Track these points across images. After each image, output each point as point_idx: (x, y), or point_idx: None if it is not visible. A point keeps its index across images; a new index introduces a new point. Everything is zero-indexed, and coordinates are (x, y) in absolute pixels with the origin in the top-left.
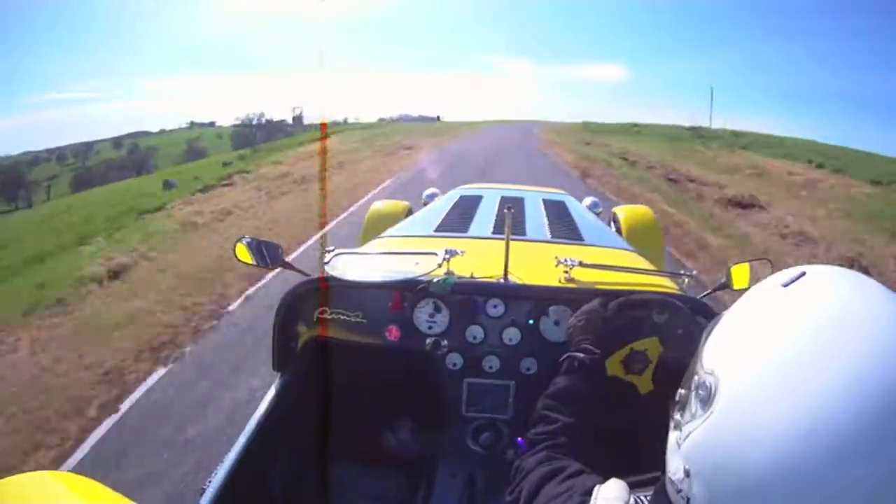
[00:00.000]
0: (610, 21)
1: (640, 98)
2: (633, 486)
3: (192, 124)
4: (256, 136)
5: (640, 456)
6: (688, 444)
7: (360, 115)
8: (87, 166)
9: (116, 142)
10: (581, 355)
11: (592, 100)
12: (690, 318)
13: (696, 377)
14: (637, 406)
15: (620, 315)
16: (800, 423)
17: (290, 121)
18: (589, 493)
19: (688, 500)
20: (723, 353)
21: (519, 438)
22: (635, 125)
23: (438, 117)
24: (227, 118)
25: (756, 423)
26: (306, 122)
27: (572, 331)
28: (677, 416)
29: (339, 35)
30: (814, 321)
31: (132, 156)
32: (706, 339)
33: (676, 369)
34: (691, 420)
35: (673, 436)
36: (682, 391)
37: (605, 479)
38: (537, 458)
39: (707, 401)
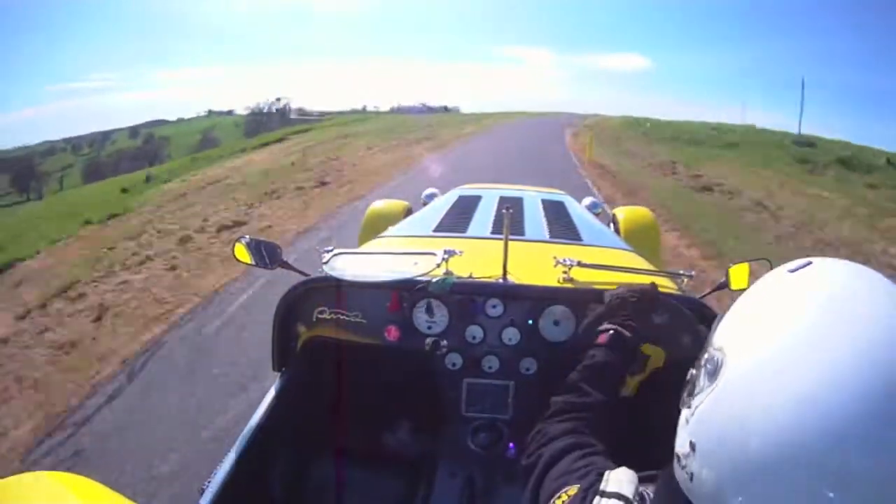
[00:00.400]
0: (631, 10)
1: (662, 89)
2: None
3: (210, 113)
4: (268, 123)
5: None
6: (694, 417)
7: (379, 103)
8: (103, 156)
9: (133, 131)
10: (628, 333)
11: (615, 90)
12: (693, 324)
13: (705, 355)
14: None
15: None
16: (800, 399)
17: (306, 109)
18: (601, 475)
19: (691, 475)
20: (730, 331)
21: (511, 444)
22: (715, 128)
23: (446, 107)
24: (245, 106)
25: (758, 397)
26: (321, 109)
27: (619, 302)
28: (686, 396)
29: (361, 26)
30: (817, 303)
31: (147, 145)
32: (717, 323)
33: (669, 378)
34: (699, 394)
35: (683, 414)
36: (692, 371)
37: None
38: (564, 428)
39: (713, 374)
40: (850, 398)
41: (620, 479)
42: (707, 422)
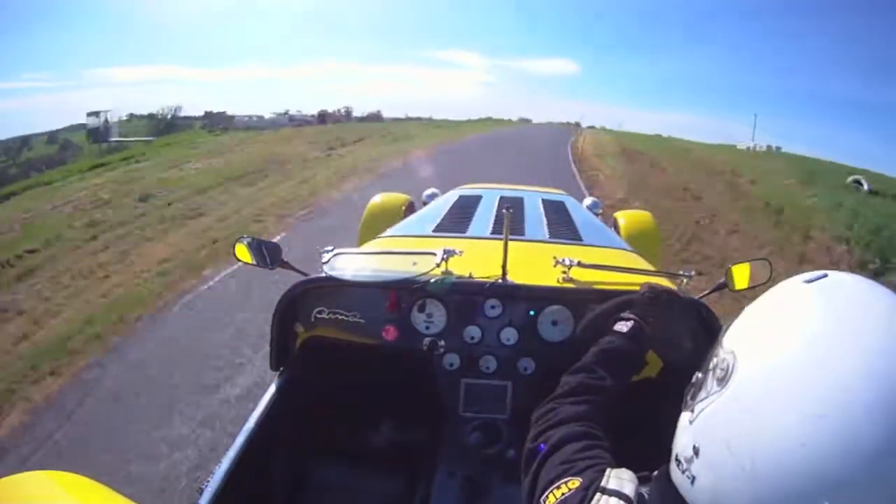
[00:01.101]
0: (562, 16)
1: (591, 94)
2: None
3: (131, 116)
4: (169, 129)
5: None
6: (699, 421)
7: (303, 108)
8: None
9: (52, 136)
10: (647, 327)
11: (546, 95)
12: (699, 333)
13: (714, 359)
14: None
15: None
16: (811, 414)
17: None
18: (603, 471)
19: (693, 478)
20: (742, 335)
21: (541, 445)
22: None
23: (322, 117)
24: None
25: (769, 409)
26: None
27: (651, 297)
28: (689, 399)
29: (291, 28)
30: (831, 319)
31: (65, 152)
32: (727, 327)
33: (660, 388)
34: (706, 398)
35: (684, 416)
36: (698, 374)
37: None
38: (576, 411)
39: (723, 379)
40: (867, 416)
41: (621, 478)
42: (714, 427)
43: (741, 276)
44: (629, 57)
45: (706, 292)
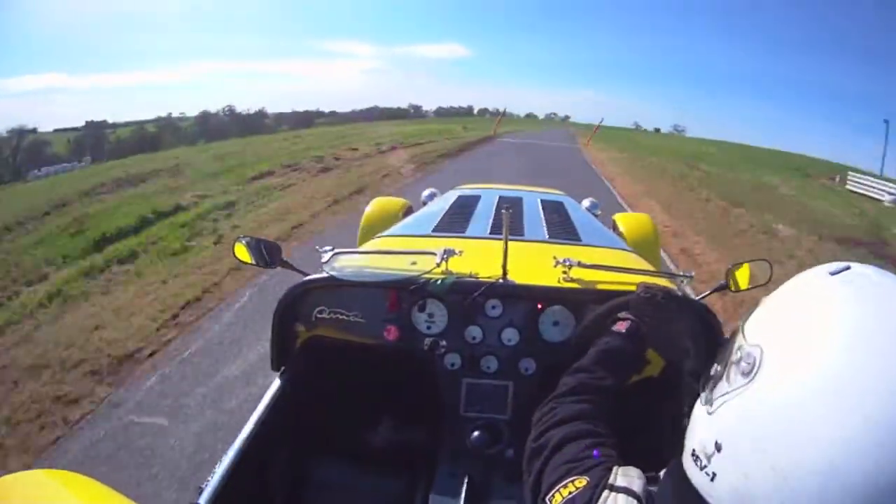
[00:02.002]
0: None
1: (483, 78)
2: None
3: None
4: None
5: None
6: (722, 414)
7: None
8: None
9: None
10: (645, 327)
11: (436, 80)
12: (699, 332)
13: (736, 352)
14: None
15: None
16: (857, 414)
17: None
18: (609, 469)
19: (713, 475)
20: (768, 328)
21: (595, 451)
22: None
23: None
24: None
25: (807, 407)
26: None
27: (647, 297)
28: (707, 392)
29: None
30: (868, 312)
31: None
32: (746, 319)
33: (662, 386)
34: (728, 391)
35: (701, 409)
36: (717, 367)
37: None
38: (577, 409)
39: (749, 372)
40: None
41: (630, 475)
42: (740, 422)
43: (741, 276)
44: (520, 38)
45: (706, 293)
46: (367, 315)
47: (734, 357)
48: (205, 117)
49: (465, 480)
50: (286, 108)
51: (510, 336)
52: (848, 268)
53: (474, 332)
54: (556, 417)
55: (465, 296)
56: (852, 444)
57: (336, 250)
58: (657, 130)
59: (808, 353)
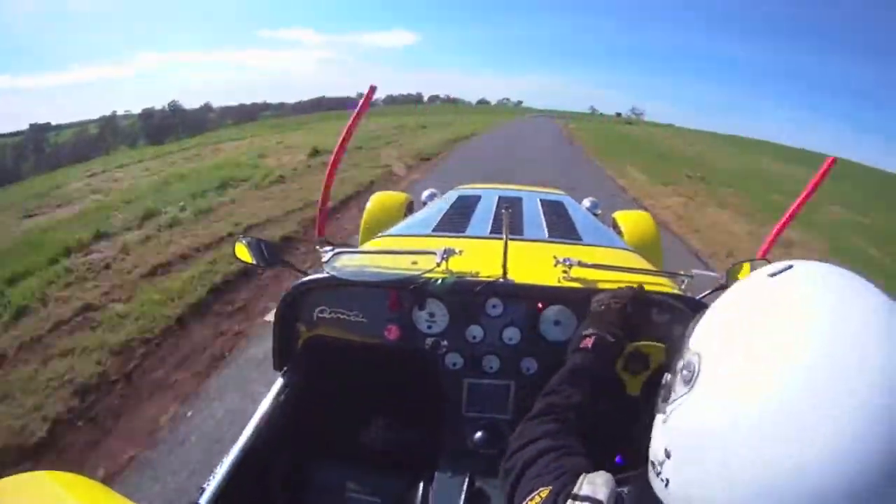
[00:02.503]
0: None
1: (434, 64)
2: (618, 483)
3: None
4: None
5: (609, 451)
6: (670, 423)
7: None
8: None
9: None
10: (610, 338)
11: (386, 67)
12: (690, 318)
13: (680, 361)
14: (619, 403)
15: (638, 311)
16: (776, 405)
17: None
18: (575, 477)
19: (667, 481)
20: (707, 335)
21: (559, 463)
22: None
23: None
24: None
25: (735, 405)
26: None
27: (603, 309)
28: (661, 402)
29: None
30: (796, 308)
31: None
32: (694, 325)
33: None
34: (675, 399)
35: (658, 419)
36: (667, 375)
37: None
38: (544, 430)
39: (689, 381)
40: (829, 407)
41: (595, 482)
42: (682, 427)
43: (741, 275)
44: (471, 22)
45: (706, 292)
46: (368, 315)
47: (679, 366)
48: (148, 114)
49: (466, 481)
50: (236, 101)
51: (511, 335)
52: (790, 267)
53: (475, 331)
54: (524, 439)
55: (465, 295)
56: (794, 458)
57: (337, 250)
58: (619, 115)
59: (743, 360)
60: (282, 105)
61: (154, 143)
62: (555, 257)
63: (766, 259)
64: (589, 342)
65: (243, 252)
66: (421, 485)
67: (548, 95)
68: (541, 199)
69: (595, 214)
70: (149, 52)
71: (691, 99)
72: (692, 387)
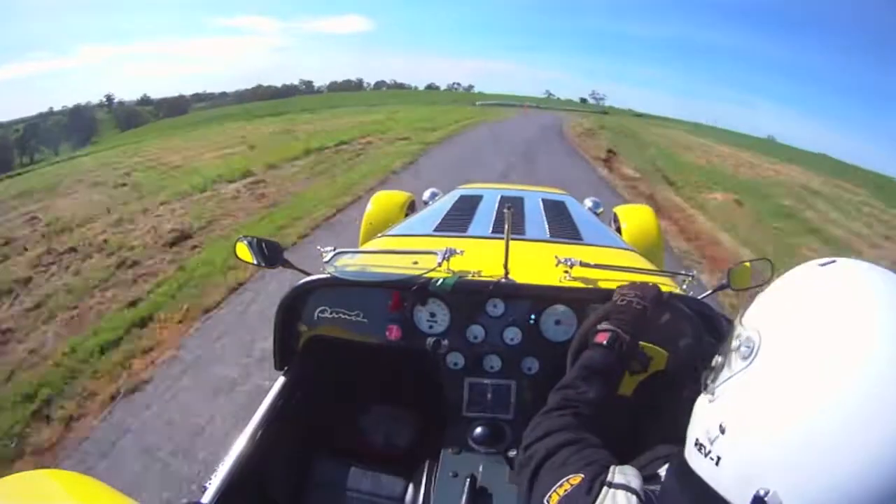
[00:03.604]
0: None
1: (386, 49)
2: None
3: None
4: None
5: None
6: (724, 398)
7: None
8: None
9: None
10: (627, 337)
11: (340, 53)
12: (699, 326)
13: (735, 340)
14: (623, 411)
15: (656, 312)
16: (832, 382)
17: None
18: (606, 466)
19: (718, 458)
20: (766, 314)
21: (587, 451)
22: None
23: None
24: None
25: (802, 371)
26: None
27: (624, 305)
28: (709, 382)
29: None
30: (843, 297)
31: None
32: (743, 311)
33: (668, 380)
34: (728, 378)
35: (703, 399)
36: (718, 358)
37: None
38: (561, 423)
39: (749, 355)
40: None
41: (627, 473)
42: (741, 399)
43: (743, 275)
44: (423, 6)
45: (708, 292)
46: (369, 315)
47: (734, 345)
48: (77, 111)
49: (467, 481)
50: (176, 92)
51: (512, 335)
52: (834, 261)
53: (476, 331)
54: (542, 430)
55: (467, 295)
56: (856, 416)
57: (338, 250)
58: (583, 101)
59: (804, 334)
60: (224, 94)
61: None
62: (556, 257)
63: (766, 258)
64: (604, 338)
65: (244, 251)
66: (422, 484)
67: (500, 79)
68: (542, 199)
69: (596, 214)
70: (94, 44)
71: (650, 82)
72: (751, 361)
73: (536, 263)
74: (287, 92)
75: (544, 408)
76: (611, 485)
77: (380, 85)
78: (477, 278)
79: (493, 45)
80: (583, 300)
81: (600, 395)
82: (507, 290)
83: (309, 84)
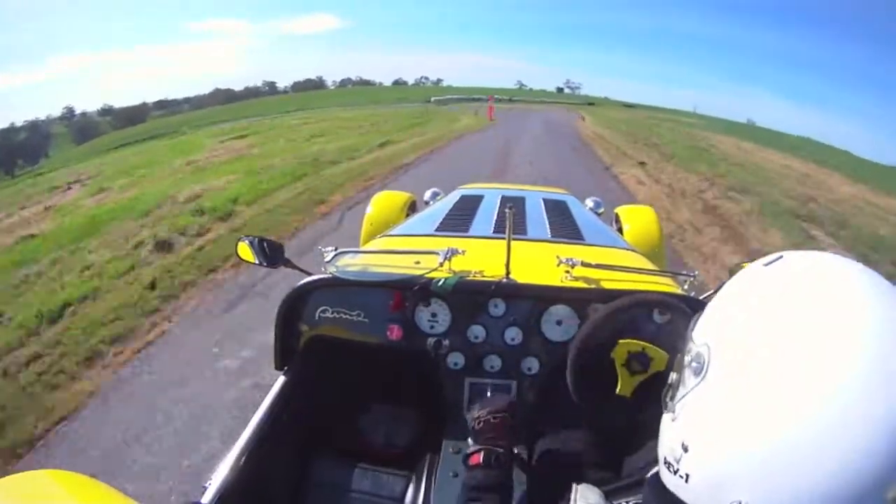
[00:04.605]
0: None
1: (358, 46)
2: (610, 494)
3: None
4: None
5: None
6: (683, 416)
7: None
8: None
9: None
10: (500, 450)
11: (312, 53)
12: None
13: (687, 356)
14: (611, 401)
15: (617, 317)
16: (791, 388)
17: None
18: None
19: (686, 476)
20: (713, 326)
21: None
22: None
23: None
24: None
25: (753, 382)
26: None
27: (483, 427)
28: (668, 400)
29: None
30: (797, 291)
31: None
32: (695, 322)
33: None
34: (684, 395)
35: (665, 419)
36: (673, 375)
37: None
38: None
39: (700, 370)
40: (836, 386)
41: (588, 498)
42: (697, 419)
43: None
44: (391, 2)
45: (710, 292)
46: (370, 315)
47: (686, 361)
48: (35, 127)
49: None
50: (138, 100)
51: (513, 335)
52: (780, 258)
53: (477, 331)
54: None
55: (468, 295)
56: (821, 424)
57: (339, 250)
58: (560, 90)
59: (755, 344)
60: (188, 99)
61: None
62: (557, 257)
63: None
64: (477, 458)
65: (245, 251)
66: (422, 484)
67: (470, 72)
68: (544, 199)
69: (598, 214)
70: (62, 55)
71: (621, 72)
72: (703, 377)
73: (538, 263)
74: (249, 94)
75: None
76: None
77: (345, 83)
78: (478, 278)
79: (462, 38)
80: (584, 300)
81: (500, 496)
82: (509, 290)
83: (272, 85)
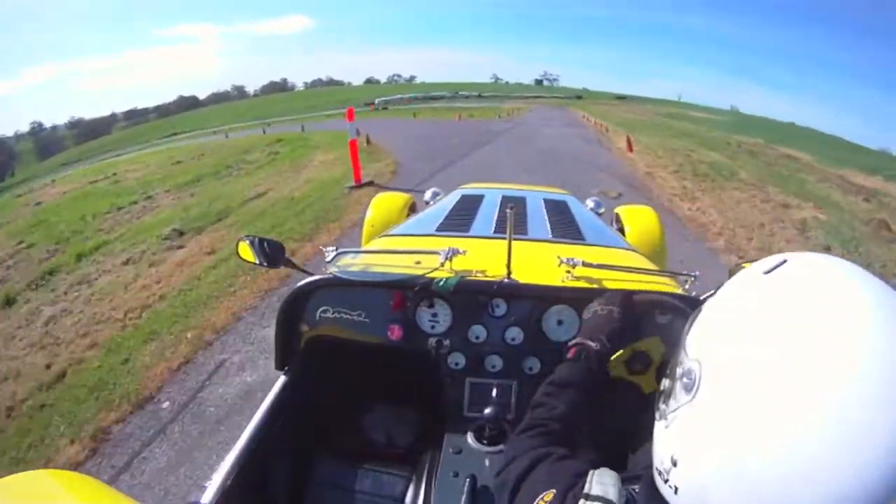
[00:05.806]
0: None
1: (330, 46)
2: (623, 481)
3: None
4: None
5: (639, 455)
6: (673, 430)
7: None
8: None
9: None
10: (593, 345)
11: (285, 54)
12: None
13: (679, 366)
14: (641, 406)
15: (627, 314)
16: (782, 413)
17: None
18: (580, 475)
19: (676, 488)
20: (705, 340)
21: (558, 465)
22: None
23: None
24: None
25: (736, 410)
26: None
27: (591, 317)
28: (662, 406)
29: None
30: (794, 309)
31: None
32: (690, 327)
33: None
34: (676, 408)
35: (659, 425)
36: (666, 381)
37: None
38: (531, 443)
39: (690, 388)
40: (839, 411)
41: (605, 483)
42: (687, 436)
43: None
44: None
45: (709, 293)
46: (371, 315)
47: (678, 373)
48: (2, 143)
49: (468, 480)
50: (126, 107)
51: (514, 335)
52: (784, 262)
53: (478, 331)
54: (514, 453)
55: (469, 295)
56: (805, 454)
57: (340, 250)
58: (539, 83)
59: (743, 370)
60: (158, 108)
61: None
62: (558, 257)
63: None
64: (572, 352)
65: (246, 251)
66: (423, 484)
67: (444, 68)
68: (544, 199)
69: (598, 213)
70: (35, 66)
71: (593, 63)
72: (694, 396)
73: (539, 263)
74: (218, 99)
75: (518, 427)
76: (588, 497)
77: (316, 84)
78: (479, 278)
79: (435, 35)
80: (585, 300)
81: (573, 408)
82: (510, 290)
83: (241, 89)
